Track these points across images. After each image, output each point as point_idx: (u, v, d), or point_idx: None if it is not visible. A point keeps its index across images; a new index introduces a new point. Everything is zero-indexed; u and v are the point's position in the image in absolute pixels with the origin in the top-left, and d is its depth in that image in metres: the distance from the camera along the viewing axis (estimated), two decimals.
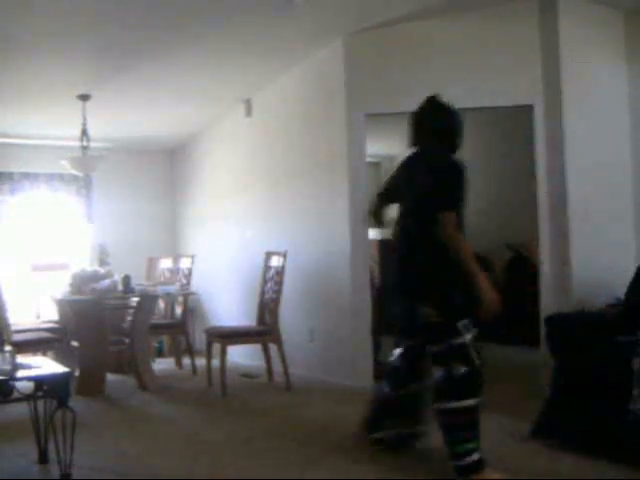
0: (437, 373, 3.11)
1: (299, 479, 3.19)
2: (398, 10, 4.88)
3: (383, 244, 9.05)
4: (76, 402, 3.42)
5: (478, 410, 3.07)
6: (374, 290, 5.51)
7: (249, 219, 6.71)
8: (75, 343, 5.58)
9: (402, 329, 3.46)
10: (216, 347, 5.38)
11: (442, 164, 3.25)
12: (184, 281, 6.59)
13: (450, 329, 3.09)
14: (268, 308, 5.52)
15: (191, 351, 6.32)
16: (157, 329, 6.30)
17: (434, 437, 3.29)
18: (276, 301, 5.42)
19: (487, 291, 3.05)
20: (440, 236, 3.09)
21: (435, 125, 3.43)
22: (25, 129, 6.80)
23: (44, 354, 5.33)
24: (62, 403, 3.08)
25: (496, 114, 7.10)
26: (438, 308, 3.12)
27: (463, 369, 3.06)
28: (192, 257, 6.69)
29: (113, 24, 4.61)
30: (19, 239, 7.19)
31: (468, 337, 3.09)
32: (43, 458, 3.41)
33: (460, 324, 3.09)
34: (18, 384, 3.08)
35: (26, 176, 7.25)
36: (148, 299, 5.71)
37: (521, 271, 7.17)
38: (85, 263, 6.83)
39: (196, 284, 6.81)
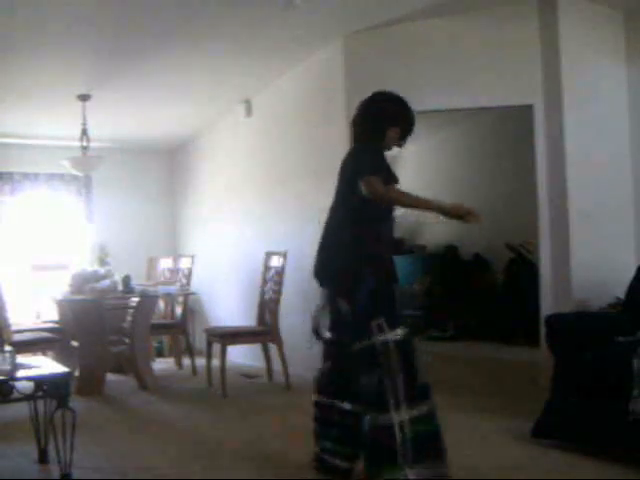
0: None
1: (299, 479, 3.19)
2: (398, 10, 4.88)
3: None
4: (76, 402, 3.42)
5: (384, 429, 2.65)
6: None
7: (249, 219, 6.71)
8: (75, 343, 5.58)
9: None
10: (216, 347, 5.38)
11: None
12: (184, 281, 6.59)
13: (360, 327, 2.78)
14: (268, 308, 5.52)
15: (191, 351, 6.32)
16: (157, 329, 6.30)
17: None
18: (276, 301, 5.42)
19: (444, 208, 2.92)
20: (368, 197, 2.80)
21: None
22: (25, 129, 6.80)
23: (44, 354, 5.32)
24: (62, 403, 3.08)
25: (496, 114, 7.11)
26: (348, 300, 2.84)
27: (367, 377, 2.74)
28: (192, 257, 6.69)
29: (113, 24, 4.62)
30: (19, 239, 7.18)
31: (382, 338, 2.73)
32: (43, 458, 3.41)
33: (374, 323, 2.75)
34: (18, 384, 3.08)
35: (26, 176, 7.24)
36: (148, 299, 5.71)
37: (521, 271, 7.18)
38: (85, 263, 6.82)
39: (196, 284, 6.81)
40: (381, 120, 3.05)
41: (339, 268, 2.89)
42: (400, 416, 2.65)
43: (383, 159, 2.95)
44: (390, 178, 2.93)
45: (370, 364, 2.74)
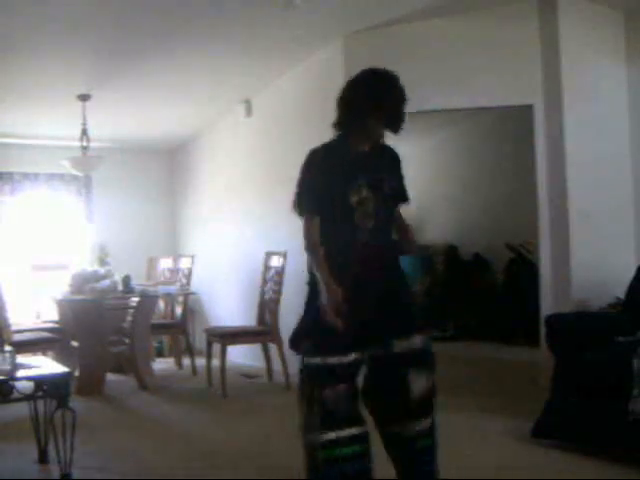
0: None
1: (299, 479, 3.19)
2: (398, 10, 4.89)
3: None
4: (76, 402, 3.42)
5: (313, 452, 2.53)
6: None
7: (249, 219, 6.71)
8: (75, 343, 5.58)
9: None
10: (216, 347, 5.38)
11: None
12: (184, 281, 6.59)
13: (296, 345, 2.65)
14: (268, 308, 5.52)
15: (191, 351, 6.32)
16: (157, 329, 6.30)
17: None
18: (276, 301, 5.42)
19: (330, 307, 2.47)
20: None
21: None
22: (25, 129, 6.80)
23: (44, 354, 5.33)
24: (62, 403, 3.08)
25: (496, 114, 7.12)
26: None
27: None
28: (192, 257, 6.70)
29: (113, 24, 4.62)
30: (19, 239, 7.18)
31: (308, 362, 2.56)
32: (43, 458, 3.41)
33: (303, 344, 2.59)
34: (18, 384, 3.08)
35: (26, 176, 7.24)
36: (148, 299, 5.71)
37: (521, 271, 7.18)
38: (85, 263, 6.83)
39: (196, 284, 6.81)
40: (347, 108, 2.70)
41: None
42: (309, 438, 2.55)
43: (316, 172, 2.64)
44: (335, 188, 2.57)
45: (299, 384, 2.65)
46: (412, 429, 2.60)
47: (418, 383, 2.60)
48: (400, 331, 2.61)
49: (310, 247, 2.58)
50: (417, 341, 2.62)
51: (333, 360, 2.52)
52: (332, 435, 2.51)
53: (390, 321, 2.61)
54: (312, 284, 2.62)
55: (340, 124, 2.74)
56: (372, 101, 2.59)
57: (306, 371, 2.58)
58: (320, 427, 2.52)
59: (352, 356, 2.54)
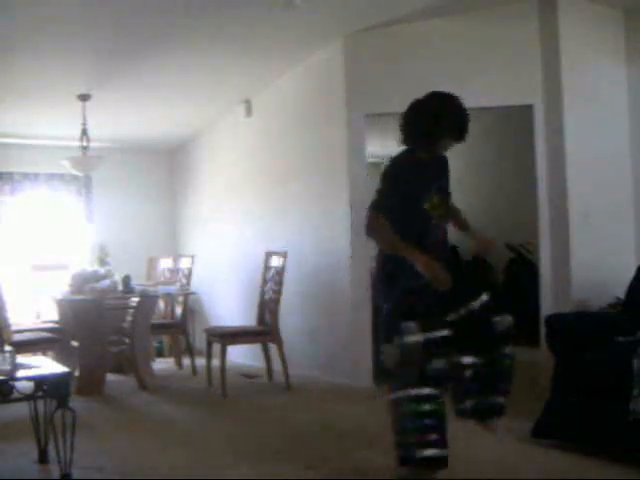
0: None
1: (299, 479, 3.19)
2: (398, 10, 4.89)
3: None
4: (76, 402, 3.42)
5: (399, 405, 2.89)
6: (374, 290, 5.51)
7: (249, 219, 6.71)
8: (75, 343, 5.58)
9: None
10: (216, 347, 5.38)
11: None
12: (184, 281, 6.59)
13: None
14: (268, 308, 5.52)
15: (191, 351, 6.32)
16: (157, 329, 6.30)
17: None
18: (276, 301, 5.42)
19: (427, 269, 2.83)
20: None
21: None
22: (25, 129, 6.80)
23: (44, 354, 5.33)
24: (62, 403, 3.08)
25: (496, 114, 7.11)
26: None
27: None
28: (192, 257, 6.70)
29: (113, 24, 4.61)
30: (19, 239, 7.19)
31: (409, 339, 2.88)
32: (43, 458, 3.41)
33: (403, 324, 2.89)
34: (18, 384, 3.08)
35: (26, 176, 7.25)
36: (148, 299, 5.71)
37: (521, 271, 7.17)
38: (85, 263, 6.82)
39: (196, 284, 6.81)
40: (423, 129, 3.07)
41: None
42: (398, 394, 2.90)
43: (394, 182, 2.99)
44: (410, 193, 2.94)
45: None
46: (498, 351, 3.11)
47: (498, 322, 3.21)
48: (472, 295, 3.12)
49: (385, 243, 2.95)
50: (485, 298, 3.19)
51: (428, 333, 2.88)
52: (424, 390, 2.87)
53: (463, 291, 3.09)
54: (390, 274, 2.99)
55: (412, 141, 3.09)
56: (450, 124, 3.13)
57: (405, 347, 2.87)
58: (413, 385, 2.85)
59: (442, 322, 2.94)
